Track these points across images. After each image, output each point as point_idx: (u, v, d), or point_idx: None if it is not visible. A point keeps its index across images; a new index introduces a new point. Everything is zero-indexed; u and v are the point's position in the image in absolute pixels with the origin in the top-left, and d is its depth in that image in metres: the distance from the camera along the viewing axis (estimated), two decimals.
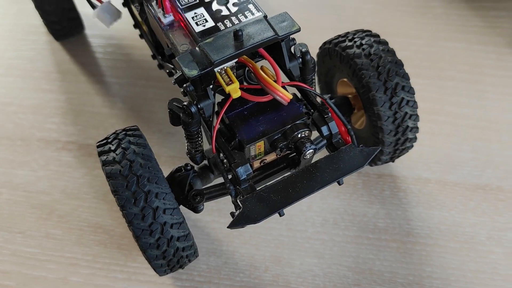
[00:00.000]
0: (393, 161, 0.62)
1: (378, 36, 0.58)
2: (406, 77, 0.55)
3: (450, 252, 0.61)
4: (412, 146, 0.60)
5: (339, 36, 0.60)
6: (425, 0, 0.84)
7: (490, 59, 0.77)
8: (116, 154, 0.50)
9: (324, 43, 0.61)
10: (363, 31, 0.59)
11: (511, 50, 0.77)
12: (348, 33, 0.60)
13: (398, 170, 0.67)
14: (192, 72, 0.44)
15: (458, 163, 0.67)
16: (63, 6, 0.75)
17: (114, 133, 0.53)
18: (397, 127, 0.56)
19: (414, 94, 0.55)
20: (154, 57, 0.62)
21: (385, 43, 0.57)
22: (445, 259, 0.61)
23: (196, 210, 0.54)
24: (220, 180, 0.57)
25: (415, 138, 0.58)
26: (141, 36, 0.64)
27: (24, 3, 0.82)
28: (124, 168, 0.49)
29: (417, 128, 0.57)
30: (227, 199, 0.60)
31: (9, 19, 0.84)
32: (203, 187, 0.56)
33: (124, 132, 0.52)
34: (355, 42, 0.57)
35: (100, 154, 0.51)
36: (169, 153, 0.70)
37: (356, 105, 0.60)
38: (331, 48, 0.59)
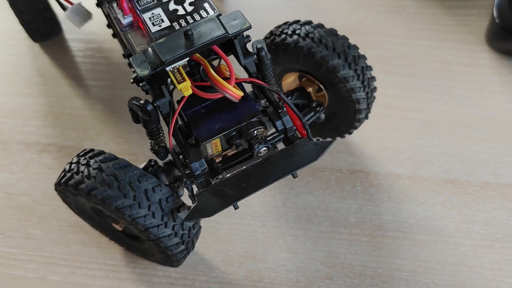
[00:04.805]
0: (367, 117, 0.66)
1: (311, 22, 0.61)
2: (356, 47, 0.60)
3: (419, 245, 0.63)
4: (375, 88, 0.63)
5: (273, 34, 0.61)
6: (399, 0, 0.86)
7: (461, 56, 0.79)
8: (94, 177, 0.50)
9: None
10: (293, 22, 0.62)
11: (481, 48, 0.79)
12: (278, 27, 0.62)
13: (370, 166, 0.69)
14: (144, 72, 0.46)
15: (428, 158, 0.69)
16: (37, 5, 0.76)
17: (70, 163, 0.53)
18: (367, 93, 0.60)
19: (366, 59, 0.60)
20: (125, 56, 0.64)
21: (321, 26, 0.60)
22: (414, 251, 0.62)
23: (177, 195, 0.56)
24: None
25: (374, 77, 0.63)
26: (114, 35, 0.65)
27: (4, 9, 0.83)
28: (112, 184, 0.49)
29: (370, 66, 0.61)
30: None
31: None
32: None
33: (84, 157, 0.53)
34: (299, 34, 0.59)
35: (75, 186, 0.51)
36: (147, 153, 0.71)
37: (310, 89, 0.63)
38: (272, 48, 0.61)
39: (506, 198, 0.66)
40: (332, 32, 0.60)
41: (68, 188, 0.51)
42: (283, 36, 0.60)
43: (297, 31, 0.59)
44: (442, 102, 0.74)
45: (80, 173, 0.51)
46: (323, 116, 0.63)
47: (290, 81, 0.66)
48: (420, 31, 0.82)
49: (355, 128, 0.66)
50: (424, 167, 0.68)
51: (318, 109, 0.62)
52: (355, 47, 0.60)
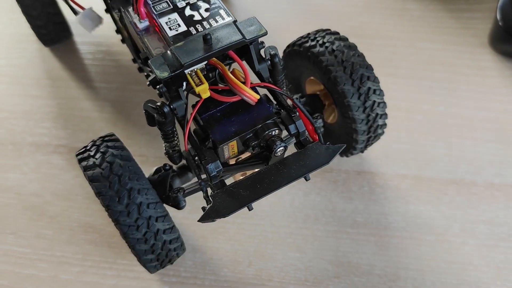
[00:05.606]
0: (362, 152, 0.66)
1: (338, 33, 0.62)
2: (370, 68, 0.59)
3: (425, 244, 0.64)
4: (383, 132, 0.63)
5: (302, 37, 0.63)
6: (403, 3, 0.87)
7: (464, 58, 0.80)
8: (96, 159, 0.53)
9: (288, 46, 0.64)
10: (323, 30, 0.63)
11: (485, 50, 0.80)
12: (309, 33, 0.63)
13: (376, 167, 0.70)
14: (163, 74, 0.47)
15: (433, 159, 0.70)
16: (48, 11, 0.78)
17: (92, 141, 0.56)
18: (368, 115, 0.59)
19: (379, 83, 0.59)
20: (134, 60, 0.65)
21: (345, 39, 0.61)
22: (420, 251, 0.63)
23: (178, 206, 0.57)
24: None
25: (385, 124, 0.62)
26: (123, 40, 0.66)
27: (14, 13, 0.84)
28: (105, 170, 0.51)
29: (386, 114, 0.61)
30: None
31: (0, 29, 0.87)
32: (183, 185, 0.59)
33: (101, 139, 0.55)
34: (318, 41, 0.60)
35: (80, 161, 0.54)
36: (157, 154, 0.73)
37: (326, 101, 0.63)
38: (295, 50, 0.63)
39: (510, 198, 0.67)
40: (366, 65, 0.59)
41: (80, 165, 0.54)
42: (322, 48, 0.59)
43: (334, 47, 0.59)
44: (446, 104, 0.75)
45: (94, 159, 0.53)
46: (322, 129, 0.64)
47: (315, 82, 0.66)
48: (424, 33, 0.83)
49: (347, 156, 0.67)
50: (429, 168, 0.69)
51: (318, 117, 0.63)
52: (381, 93, 0.59)
